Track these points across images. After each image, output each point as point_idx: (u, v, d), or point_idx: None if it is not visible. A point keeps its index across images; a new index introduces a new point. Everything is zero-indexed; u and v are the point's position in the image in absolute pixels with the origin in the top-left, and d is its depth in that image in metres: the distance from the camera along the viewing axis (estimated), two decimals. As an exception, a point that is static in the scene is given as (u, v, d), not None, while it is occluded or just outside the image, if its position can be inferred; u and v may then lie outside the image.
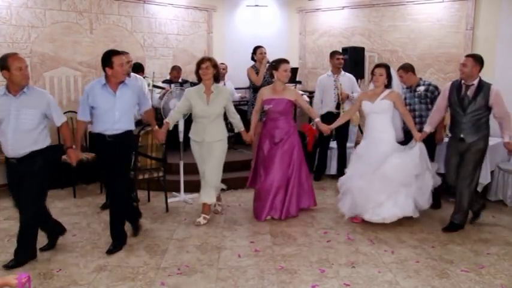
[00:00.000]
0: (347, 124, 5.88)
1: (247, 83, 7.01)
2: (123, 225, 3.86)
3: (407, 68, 4.91)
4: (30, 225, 3.47)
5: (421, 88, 4.87)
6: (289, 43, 7.91)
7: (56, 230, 3.81)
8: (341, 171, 6.09)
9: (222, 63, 7.19)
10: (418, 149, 4.30)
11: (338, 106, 5.86)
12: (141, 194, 5.04)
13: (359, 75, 6.37)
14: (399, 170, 4.22)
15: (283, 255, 3.70)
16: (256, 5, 7.74)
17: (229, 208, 4.89)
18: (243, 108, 6.76)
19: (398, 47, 6.65)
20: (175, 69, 6.58)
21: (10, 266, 3.40)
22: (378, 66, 4.50)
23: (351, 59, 6.42)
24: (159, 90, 6.11)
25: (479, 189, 4.94)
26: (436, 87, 4.87)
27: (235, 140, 6.84)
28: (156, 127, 4.24)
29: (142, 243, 3.91)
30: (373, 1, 6.81)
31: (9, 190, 3.59)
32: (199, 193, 4.47)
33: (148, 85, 5.76)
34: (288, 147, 4.57)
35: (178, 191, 5.25)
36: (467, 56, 4.22)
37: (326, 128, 4.70)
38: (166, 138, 4.95)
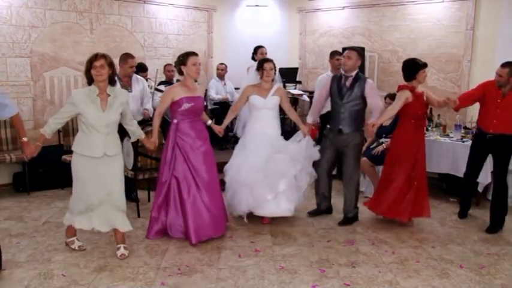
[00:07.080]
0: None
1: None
2: None
3: None
4: None
5: None
6: (289, 43, 7.91)
7: None
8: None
9: (221, 63, 7.18)
10: (305, 142, 4.38)
11: None
12: (141, 194, 5.03)
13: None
14: (285, 163, 4.25)
15: (283, 255, 3.71)
16: (257, 5, 7.73)
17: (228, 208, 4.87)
18: None
19: (399, 47, 6.64)
20: (167, 67, 6.61)
21: None
22: (268, 61, 4.38)
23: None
24: (161, 94, 6.10)
25: (480, 189, 4.94)
26: None
27: (234, 141, 6.83)
28: (25, 139, 3.45)
29: (143, 244, 3.91)
30: (374, 1, 6.80)
31: None
32: (99, 223, 3.57)
33: (150, 88, 5.75)
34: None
35: (178, 191, 5.22)
36: (350, 48, 4.42)
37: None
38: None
